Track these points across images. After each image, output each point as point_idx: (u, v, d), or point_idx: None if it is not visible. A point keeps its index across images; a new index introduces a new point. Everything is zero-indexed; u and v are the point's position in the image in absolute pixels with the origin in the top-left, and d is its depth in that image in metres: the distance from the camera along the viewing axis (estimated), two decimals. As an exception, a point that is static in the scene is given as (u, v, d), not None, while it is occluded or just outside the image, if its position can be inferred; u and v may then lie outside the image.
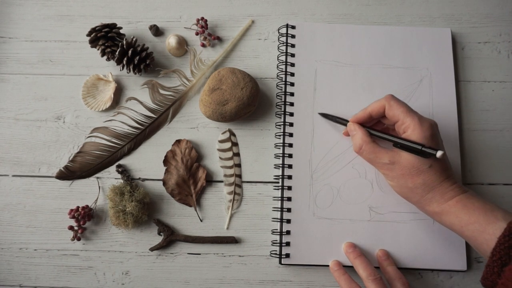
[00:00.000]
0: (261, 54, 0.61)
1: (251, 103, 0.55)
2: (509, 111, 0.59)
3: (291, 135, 0.56)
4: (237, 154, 0.57)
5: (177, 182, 0.55)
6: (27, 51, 0.61)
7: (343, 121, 0.53)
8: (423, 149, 0.43)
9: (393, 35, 0.60)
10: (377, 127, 0.52)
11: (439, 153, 0.42)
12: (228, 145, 0.57)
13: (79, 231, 0.53)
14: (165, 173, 0.56)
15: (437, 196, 0.44)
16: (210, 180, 0.57)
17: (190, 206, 0.56)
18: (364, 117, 0.50)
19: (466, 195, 0.43)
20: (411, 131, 0.45)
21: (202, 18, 0.60)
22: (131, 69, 0.57)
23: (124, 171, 0.56)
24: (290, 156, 0.55)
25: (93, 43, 0.58)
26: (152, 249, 0.54)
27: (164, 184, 0.56)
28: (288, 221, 0.54)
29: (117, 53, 0.56)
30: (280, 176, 0.55)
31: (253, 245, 0.55)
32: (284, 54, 0.59)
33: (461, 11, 0.63)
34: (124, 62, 0.56)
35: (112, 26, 0.58)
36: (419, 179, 0.44)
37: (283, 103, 0.57)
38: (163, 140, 0.58)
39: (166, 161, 0.57)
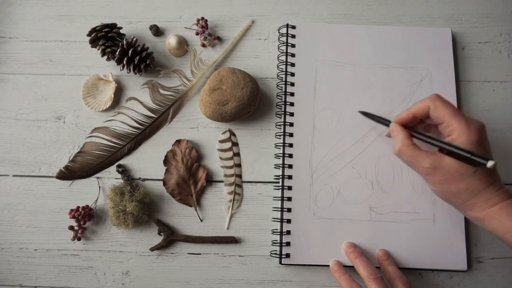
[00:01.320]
0: (261, 54, 0.61)
1: (251, 103, 0.55)
2: (509, 111, 0.59)
3: (291, 135, 0.56)
4: (237, 154, 0.57)
5: (177, 182, 0.55)
6: (27, 51, 0.61)
7: (385, 121, 0.51)
8: (472, 157, 0.40)
9: (393, 35, 0.60)
10: (419, 126, 0.49)
11: (490, 163, 0.39)
12: (228, 145, 0.57)
13: (79, 231, 0.53)
14: (165, 173, 0.56)
15: (481, 201, 0.42)
16: (210, 180, 0.57)
17: (190, 206, 0.56)
18: (407, 118, 0.47)
19: (511, 201, 0.42)
20: (457, 135, 0.42)
21: (202, 18, 0.60)
22: (131, 69, 0.57)
23: (124, 171, 0.56)
24: (290, 156, 0.55)
25: (93, 43, 0.58)
26: (152, 249, 0.54)
27: (164, 184, 0.56)
28: (288, 221, 0.54)
29: (117, 53, 0.56)
30: (280, 176, 0.55)
31: (253, 245, 0.55)
32: (284, 54, 0.59)
33: (461, 11, 0.63)
34: (124, 62, 0.56)
35: (112, 26, 0.58)
36: (462, 184, 0.42)
37: (283, 103, 0.57)
38: (163, 140, 0.58)
39: (166, 161, 0.57)
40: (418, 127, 0.48)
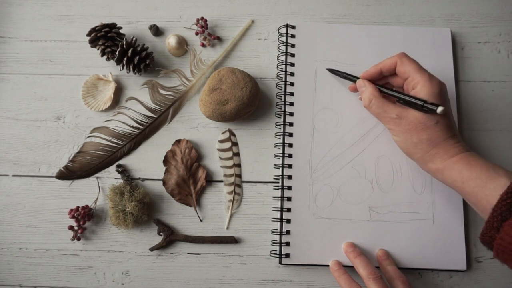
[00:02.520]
0: (261, 54, 0.61)
1: (251, 103, 0.55)
2: (509, 111, 0.59)
3: (291, 135, 0.56)
4: (237, 154, 0.57)
5: (177, 182, 0.55)
6: (27, 51, 0.61)
7: (352, 77, 0.54)
8: (425, 104, 0.44)
9: (393, 35, 0.60)
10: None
11: (439, 109, 0.43)
12: (228, 145, 0.57)
13: (79, 231, 0.53)
14: (165, 173, 0.56)
15: (441, 152, 0.45)
16: (210, 180, 0.57)
17: (190, 206, 0.56)
18: (374, 72, 0.51)
19: (470, 153, 0.44)
20: (420, 87, 0.46)
21: (202, 18, 0.60)
22: (131, 69, 0.57)
23: (124, 171, 0.56)
24: (290, 156, 0.56)
25: (93, 43, 0.58)
26: (152, 249, 0.54)
27: (164, 184, 0.56)
28: (288, 221, 0.54)
29: (117, 53, 0.56)
30: (280, 176, 0.55)
31: (253, 245, 0.55)
32: (284, 54, 0.59)
33: (461, 11, 0.63)
34: (124, 62, 0.56)
35: (112, 26, 0.58)
36: (424, 135, 0.45)
37: (283, 103, 0.57)
38: (163, 140, 0.58)
39: (166, 161, 0.57)
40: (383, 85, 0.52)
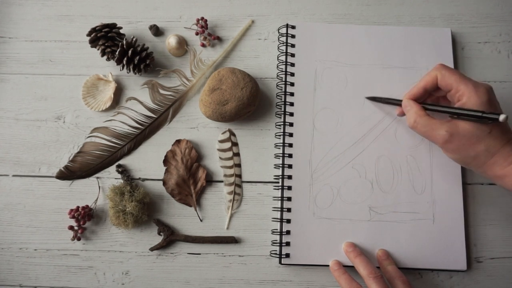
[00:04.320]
0: (261, 54, 0.61)
1: (251, 103, 0.55)
2: (508, 111, 0.59)
3: (291, 135, 0.56)
4: (237, 154, 0.57)
5: (177, 182, 0.55)
6: (27, 51, 0.61)
7: (396, 101, 0.53)
8: (483, 115, 0.41)
9: (393, 35, 0.60)
10: (429, 101, 0.51)
11: (502, 117, 0.41)
12: (228, 145, 0.57)
13: (79, 231, 0.53)
14: (165, 173, 0.56)
15: (500, 160, 0.43)
16: (210, 180, 0.57)
17: (190, 206, 0.56)
18: (418, 92, 0.49)
19: None
20: (466, 98, 0.44)
21: (202, 18, 0.60)
22: (131, 69, 0.57)
23: (124, 171, 0.56)
24: (290, 156, 0.56)
25: (93, 43, 0.58)
26: (152, 249, 0.54)
27: (164, 184, 0.56)
28: (288, 221, 0.54)
29: (117, 53, 0.56)
30: (280, 176, 0.55)
31: (253, 245, 0.55)
32: (284, 54, 0.59)
33: (461, 11, 0.63)
34: (124, 62, 0.56)
35: (112, 26, 0.58)
36: (480, 146, 0.43)
37: (283, 103, 0.57)
38: (163, 140, 0.58)
39: (166, 161, 0.57)
40: (427, 102, 0.50)
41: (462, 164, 0.47)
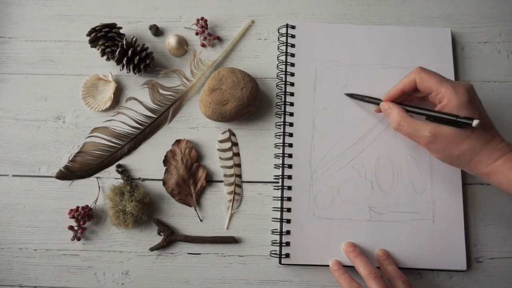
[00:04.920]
0: (261, 54, 0.61)
1: (251, 103, 0.55)
2: (509, 111, 0.59)
3: (291, 135, 0.56)
4: (237, 154, 0.57)
5: (177, 182, 0.55)
6: (27, 51, 0.61)
7: (374, 100, 0.53)
8: (458, 119, 0.42)
9: (393, 35, 0.60)
10: (408, 101, 0.52)
11: (475, 122, 0.41)
12: (228, 145, 0.57)
13: (79, 231, 0.53)
14: (165, 173, 0.56)
15: (484, 158, 0.44)
16: (210, 180, 0.57)
17: (190, 206, 0.56)
18: (396, 94, 0.50)
19: None
20: (447, 100, 0.44)
21: (202, 18, 0.60)
22: (131, 69, 0.57)
23: (124, 171, 0.56)
24: (290, 156, 0.55)
25: (93, 43, 0.58)
26: (152, 249, 0.54)
27: (164, 184, 0.56)
28: (288, 221, 0.54)
29: (117, 53, 0.56)
30: (280, 176, 0.55)
31: (253, 245, 0.55)
32: (284, 54, 0.59)
33: (461, 11, 0.63)
34: (124, 62, 0.56)
35: (112, 26, 0.58)
36: (464, 146, 0.44)
37: (283, 103, 0.57)
38: (163, 140, 0.58)
39: (166, 161, 0.57)
40: (408, 104, 0.50)
41: (448, 163, 0.47)
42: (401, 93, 0.49)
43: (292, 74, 0.58)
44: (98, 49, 0.58)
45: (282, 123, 0.57)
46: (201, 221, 0.56)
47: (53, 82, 0.60)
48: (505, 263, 0.54)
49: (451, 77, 0.58)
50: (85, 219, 0.54)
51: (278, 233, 0.53)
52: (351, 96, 0.57)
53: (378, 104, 0.53)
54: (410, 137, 0.48)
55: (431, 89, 0.46)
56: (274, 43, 0.61)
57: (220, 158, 0.57)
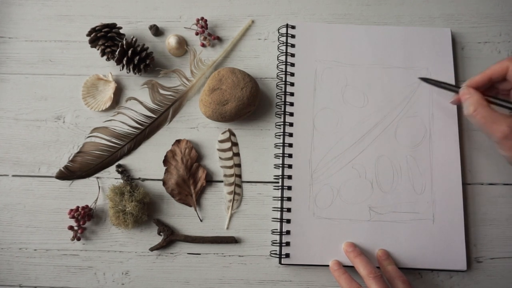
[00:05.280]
0: (261, 54, 0.61)
1: (251, 103, 0.55)
2: (509, 111, 0.59)
3: (291, 135, 0.56)
4: (237, 154, 0.57)
5: (177, 182, 0.55)
6: (27, 51, 0.61)
7: (452, 87, 0.49)
8: None
9: (393, 35, 0.60)
10: (489, 93, 0.48)
11: None
12: (228, 145, 0.57)
13: (79, 231, 0.53)
14: (165, 173, 0.56)
15: None
16: (210, 180, 0.57)
17: (190, 206, 0.56)
18: (482, 80, 0.45)
19: None
20: None
21: (202, 18, 0.60)
22: (131, 69, 0.57)
23: (124, 171, 0.56)
24: (290, 156, 0.55)
25: (93, 43, 0.58)
26: (152, 249, 0.54)
27: (164, 184, 0.56)
28: (288, 221, 0.54)
29: (117, 53, 0.56)
30: (280, 176, 0.55)
31: (253, 245, 0.55)
32: (284, 54, 0.59)
33: (461, 11, 0.63)
34: (124, 62, 0.56)
35: (112, 26, 0.58)
36: None
37: (283, 103, 0.57)
38: (163, 140, 0.58)
39: (166, 161, 0.57)
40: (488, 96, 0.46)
41: None
42: (488, 80, 0.45)
43: (292, 74, 0.58)
44: (98, 49, 0.58)
45: (282, 123, 0.57)
46: (201, 221, 0.56)
47: (53, 82, 0.60)
48: (505, 263, 0.54)
49: (451, 77, 0.58)
50: (85, 219, 0.54)
51: (278, 233, 0.53)
52: (425, 80, 0.52)
53: (456, 91, 0.48)
54: (484, 128, 0.44)
55: None
56: (274, 43, 0.61)
57: (220, 158, 0.57)
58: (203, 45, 0.61)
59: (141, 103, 0.58)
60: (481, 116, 0.43)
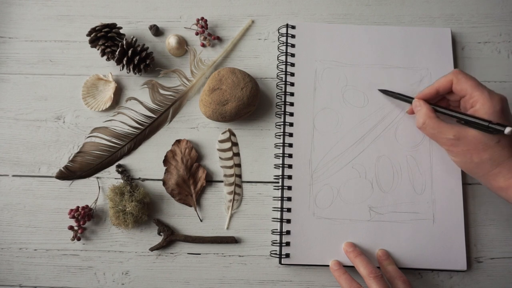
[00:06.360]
0: (261, 54, 0.61)
1: (251, 103, 0.55)
2: (509, 111, 0.59)
3: (291, 135, 0.56)
4: (237, 154, 0.57)
5: (177, 182, 0.55)
6: (27, 51, 0.61)
7: (407, 98, 0.53)
8: (490, 125, 0.42)
9: (393, 35, 0.60)
10: (441, 104, 0.51)
11: (507, 130, 0.41)
12: (228, 145, 0.57)
13: (79, 231, 0.53)
14: (165, 173, 0.56)
15: (504, 171, 0.43)
16: (210, 180, 0.57)
17: (190, 206, 0.56)
18: (430, 93, 0.49)
19: None
20: (480, 105, 0.44)
21: (202, 18, 0.60)
22: (131, 69, 0.57)
23: (124, 171, 0.56)
24: (290, 156, 0.55)
25: (93, 43, 0.58)
26: (152, 249, 0.54)
27: (164, 184, 0.56)
28: (288, 221, 0.54)
29: (117, 53, 0.56)
30: (280, 176, 0.55)
31: (253, 245, 0.55)
32: (284, 54, 0.59)
33: (461, 11, 0.63)
34: (124, 62, 0.56)
35: (112, 26, 0.58)
36: (486, 155, 0.43)
37: (283, 103, 0.57)
38: (163, 140, 0.58)
39: (166, 161, 0.57)
40: (441, 105, 0.50)
41: (465, 170, 0.47)
42: (435, 93, 0.49)
43: (292, 74, 0.58)
44: (98, 49, 0.58)
45: (282, 123, 0.57)
46: (201, 221, 0.56)
47: (53, 82, 0.60)
48: (505, 263, 0.54)
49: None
50: (85, 219, 0.54)
51: (278, 233, 0.53)
52: (384, 92, 0.56)
53: (410, 102, 0.52)
54: (433, 138, 0.48)
55: (466, 91, 0.45)
56: (274, 43, 0.61)
57: (220, 158, 0.57)
58: (203, 45, 0.61)
59: (141, 103, 0.58)
60: (430, 127, 0.47)
